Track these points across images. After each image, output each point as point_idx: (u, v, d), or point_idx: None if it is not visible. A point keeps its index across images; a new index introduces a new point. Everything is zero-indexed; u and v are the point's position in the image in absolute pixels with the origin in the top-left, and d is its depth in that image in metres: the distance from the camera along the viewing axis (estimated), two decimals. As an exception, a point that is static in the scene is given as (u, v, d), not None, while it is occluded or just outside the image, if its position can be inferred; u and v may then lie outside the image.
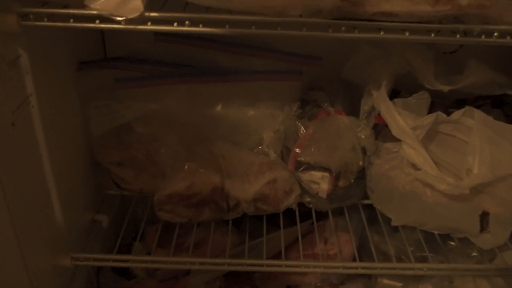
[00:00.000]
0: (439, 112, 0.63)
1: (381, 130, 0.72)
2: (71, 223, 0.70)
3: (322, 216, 0.81)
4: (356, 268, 0.67)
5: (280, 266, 0.66)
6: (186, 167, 0.71)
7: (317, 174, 0.73)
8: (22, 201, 0.55)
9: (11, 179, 0.52)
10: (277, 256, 0.77)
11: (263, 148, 0.77)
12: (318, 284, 0.81)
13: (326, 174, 0.72)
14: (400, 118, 0.61)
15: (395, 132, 0.62)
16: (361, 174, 0.75)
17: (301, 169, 0.73)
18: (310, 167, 0.73)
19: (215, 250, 0.83)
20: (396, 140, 0.69)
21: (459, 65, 0.76)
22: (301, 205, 0.78)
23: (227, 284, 0.80)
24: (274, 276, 0.82)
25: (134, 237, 0.91)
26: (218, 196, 0.71)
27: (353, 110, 0.76)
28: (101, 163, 0.77)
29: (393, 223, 0.73)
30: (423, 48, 0.72)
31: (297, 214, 0.76)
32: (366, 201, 0.79)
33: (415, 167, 0.64)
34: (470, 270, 0.68)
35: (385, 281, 0.80)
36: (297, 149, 0.70)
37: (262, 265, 0.66)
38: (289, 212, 0.78)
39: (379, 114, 0.69)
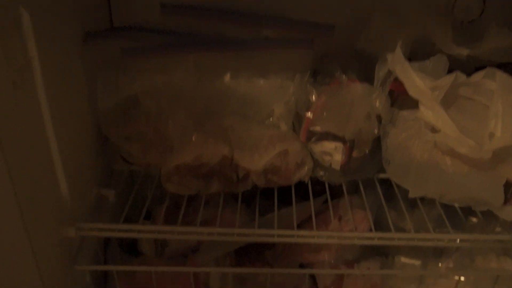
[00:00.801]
0: (458, 72, 0.60)
1: (397, 98, 0.69)
2: (77, 196, 0.68)
3: (336, 194, 0.78)
4: (372, 238, 0.63)
5: (292, 236, 0.63)
6: (194, 138, 0.69)
7: (330, 145, 0.70)
8: (24, 169, 0.53)
9: (13, 143, 0.51)
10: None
11: (273, 121, 0.74)
12: (332, 261, 0.78)
13: (340, 144, 0.70)
14: (417, 77, 0.58)
15: (412, 92, 0.59)
16: (377, 146, 0.72)
17: (314, 139, 0.70)
18: (322, 137, 0.70)
19: (224, 227, 0.80)
20: (412, 107, 0.66)
21: (478, 34, 0.72)
22: (314, 183, 0.75)
23: (237, 261, 0.77)
24: (285, 253, 0.79)
25: (146, 217, 0.90)
26: (227, 167, 0.68)
27: (367, 81, 0.73)
28: (108, 138, 0.75)
29: (411, 195, 0.69)
30: (440, 15, 0.69)
31: (309, 188, 0.73)
32: (382, 175, 0.75)
33: (433, 130, 0.60)
34: (493, 241, 0.64)
35: (403, 259, 0.77)
36: (309, 115, 0.67)
37: (273, 236, 0.63)
38: (301, 189, 0.75)
39: (394, 80, 0.66)
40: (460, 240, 0.63)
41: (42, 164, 0.59)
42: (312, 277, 0.79)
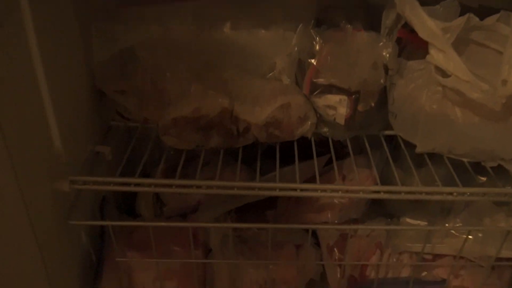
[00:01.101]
0: (471, 14, 0.56)
1: (404, 47, 0.66)
2: (72, 152, 0.65)
3: (339, 156, 0.75)
4: (378, 192, 0.61)
5: (295, 190, 0.61)
6: (193, 89, 0.66)
7: (334, 98, 0.67)
8: (14, 119, 0.51)
9: (1, 91, 0.48)
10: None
11: (275, 74, 0.71)
12: (336, 222, 0.75)
13: (344, 97, 0.67)
14: (428, 18, 0.54)
15: (422, 34, 0.56)
16: (382, 99, 0.69)
17: (317, 92, 0.67)
18: (326, 90, 0.67)
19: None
20: (421, 57, 0.63)
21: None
22: (317, 144, 0.72)
23: (238, 222, 0.75)
24: (287, 213, 0.77)
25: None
26: (227, 120, 0.65)
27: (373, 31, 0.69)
28: (104, 92, 0.73)
29: (418, 150, 0.66)
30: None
31: (313, 145, 0.71)
32: (388, 132, 0.73)
33: (444, 74, 0.57)
34: (505, 195, 0.61)
35: (408, 220, 0.74)
36: (313, 65, 0.64)
37: (275, 189, 0.61)
38: (303, 149, 0.72)
39: (403, 26, 0.63)
40: (470, 194, 0.60)
41: (34, 115, 0.57)
42: (315, 237, 0.77)
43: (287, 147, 0.72)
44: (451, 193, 0.60)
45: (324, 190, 0.61)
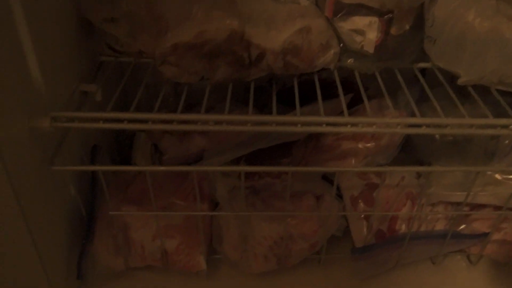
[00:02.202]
0: None
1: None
2: (55, 88, 0.55)
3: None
4: (419, 126, 0.51)
5: (320, 125, 0.51)
6: (195, 10, 0.55)
7: (362, 20, 0.57)
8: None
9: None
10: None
11: (292, -5, 0.61)
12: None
13: (375, 18, 0.57)
14: None
15: None
16: (417, 23, 0.59)
17: (342, 13, 0.57)
18: (353, 10, 0.57)
19: (232, 135, 0.68)
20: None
21: None
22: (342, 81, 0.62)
23: (248, 173, 0.65)
24: (305, 161, 0.67)
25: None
26: (236, 44, 0.55)
27: None
28: (92, 23, 0.62)
29: (462, 80, 0.57)
30: None
31: (336, 78, 0.60)
32: (422, 64, 0.63)
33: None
34: None
35: (442, 168, 0.65)
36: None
37: (295, 124, 0.51)
38: (323, 89, 0.62)
39: None
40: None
41: (6, 42, 0.47)
42: (337, 188, 0.67)
43: (304, 88, 0.62)
44: (506, 126, 0.51)
45: (355, 125, 0.51)
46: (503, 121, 0.51)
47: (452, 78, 0.61)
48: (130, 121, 0.51)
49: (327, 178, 0.68)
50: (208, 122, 0.51)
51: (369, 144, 0.65)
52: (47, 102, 0.54)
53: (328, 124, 0.51)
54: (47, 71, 0.53)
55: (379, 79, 0.60)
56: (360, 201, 0.65)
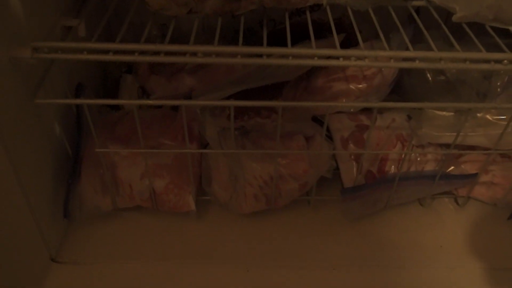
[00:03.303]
0: None
1: None
2: (36, 20, 0.53)
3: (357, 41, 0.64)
4: (413, 60, 0.50)
5: (312, 58, 0.49)
6: None
7: (357, -48, 0.55)
8: None
9: None
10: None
11: None
12: (352, 110, 0.65)
13: (370, -51, 0.54)
14: None
15: None
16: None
17: None
18: None
19: (222, 74, 0.67)
20: None
21: None
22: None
23: (237, 110, 0.64)
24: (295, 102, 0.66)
25: (127, 70, 0.76)
26: (226, -26, 0.53)
27: None
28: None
29: (458, 16, 0.55)
30: None
31: (329, 14, 0.58)
32: (416, 2, 0.61)
33: None
34: None
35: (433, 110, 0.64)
36: None
37: (286, 56, 0.49)
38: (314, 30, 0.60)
39: None
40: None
41: None
42: (327, 129, 0.66)
43: (296, 30, 0.60)
44: (500, 61, 0.50)
45: (348, 58, 0.50)
46: (498, 55, 0.50)
47: (446, 19, 0.60)
48: (116, 52, 0.49)
49: (318, 120, 0.67)
50: (197, 53, 0.49)
51: (360, 85, 0.65)
52: (28, 33, 0.52)
53: (320, 57, 0.49)
54: (27, 5, 0.51)
55: (373, 16, 0.58)
56: (350, 142, 0.64)
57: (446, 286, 0.60)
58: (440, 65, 0.50)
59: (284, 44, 0.53)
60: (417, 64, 0.50)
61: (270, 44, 0.58)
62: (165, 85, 0.67)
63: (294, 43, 0.59)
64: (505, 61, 0.50)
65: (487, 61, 0.50)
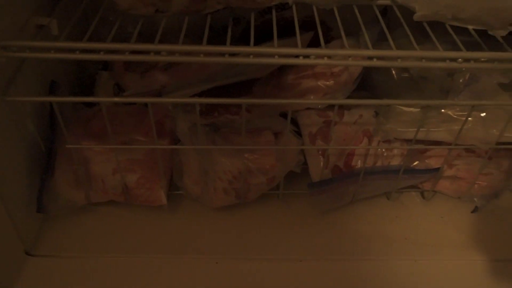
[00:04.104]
0: None
1: None
2: (6, 18, 0.54)
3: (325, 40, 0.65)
4: (371, 58, 0.51)
5: (272, 56, 0.51)
6: None
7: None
8: None
9: None
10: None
11: None
12: (319, 107, 0.67)
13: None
14: None
15: None
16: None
17: None
18: None
19: (193, 71, 0.68)
20: None
21: None
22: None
23: (208, 107, 0.66)
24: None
25: (103, 67, 0.77)
26: (191, -26, 0.54)
27: None
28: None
29: (418, 15, 0.57)
30: None
31: (294, 12, 0.60)
32: (381, 1, 0.63)
33: None
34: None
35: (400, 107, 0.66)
36: None
37: (248, 55, 0.51)
38: (282, 30, 0.61)
39: None
40: (477, 60, 0.51)
41: None
42: (296, 125, 0.68)
43: (266, 28, 0.62)
44: (455, 59, 0.51)
45: (308, 55, 0.51)
46: (453, 53, 0.51)
47: (411, 18, 0.61)
48: (83, 51, 0.51)
49: (286, 116, 0.69)
50: (161, 52, 0.51)
51: (328, 82, 0.66)
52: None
53: (280, 55, 0.51)
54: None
55: (337, 16, 0.59)
56: (318, 137, 0.66)
57: (410, 278, 0.62)
58: (397, 63, 0.52)
59: (261, 42, 0.55)
60: (374, 63, 0.52)
61: (242, 41, 0.60)
62: (139, 82, 0.68)
63: (266, 41, 0.61)
64: (460, 59, 0.52)
65: (442, 59, 0.52)
